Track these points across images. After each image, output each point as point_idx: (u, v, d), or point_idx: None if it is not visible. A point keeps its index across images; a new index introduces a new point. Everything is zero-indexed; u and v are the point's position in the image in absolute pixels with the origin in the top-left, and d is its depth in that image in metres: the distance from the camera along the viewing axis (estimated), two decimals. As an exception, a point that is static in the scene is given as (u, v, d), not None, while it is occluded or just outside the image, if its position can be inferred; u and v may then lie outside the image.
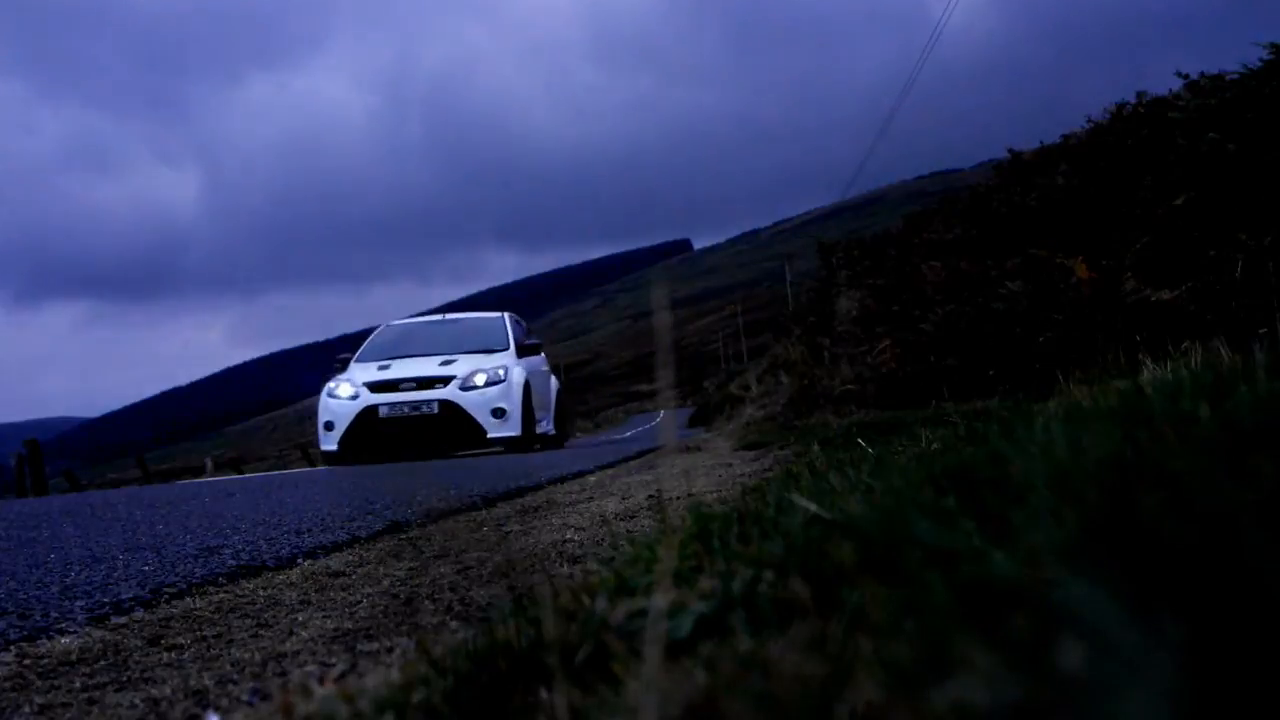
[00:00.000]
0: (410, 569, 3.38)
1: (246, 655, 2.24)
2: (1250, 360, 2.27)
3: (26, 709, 1.95)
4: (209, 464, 40.48)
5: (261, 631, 2.53)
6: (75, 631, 2.67)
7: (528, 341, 17.68)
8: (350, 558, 3.85)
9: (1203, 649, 0.72)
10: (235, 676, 2.05)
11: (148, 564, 3.84)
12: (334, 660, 2.09)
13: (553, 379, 19.24)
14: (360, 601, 2.85)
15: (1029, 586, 0.88)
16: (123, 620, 2.81)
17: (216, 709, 1.86)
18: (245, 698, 1.88)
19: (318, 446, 16.36)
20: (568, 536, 3.96)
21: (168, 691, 1.98)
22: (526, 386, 16.20)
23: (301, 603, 2.93)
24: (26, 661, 2.33)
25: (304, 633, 2.45)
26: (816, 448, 6.33)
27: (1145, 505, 0.89)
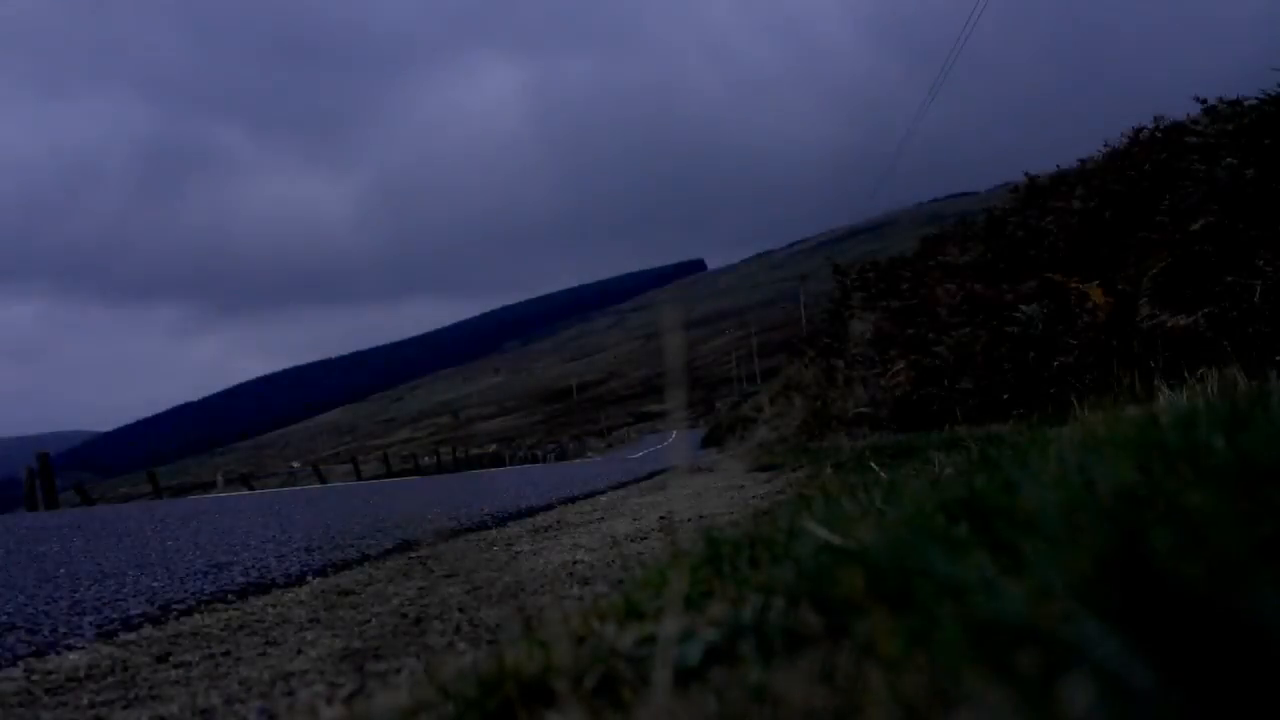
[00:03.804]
0: (420, 588, 3.37)
1: (254, 674, 2.23)
2: (1267, 388, 2.25)
3: (34, 726, 1.95)
4: (220, 479, 40.55)
5: (270, 650, 2.53)
6: (84, 647, 2.67)
7: None
8: (360, 576, 3.84)
9: (1211, 693, 0.71)
10: (243, 695, 2.05)
11: (157, 580, 3.85)
12: (342, 680, 2.08)
13: None
14: (369, 620, 2.84)
15: (1039, 623, 0.87)
16: (131, 636, 2.81)
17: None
18: (253, 717, 1.87)
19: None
20: (578, 558, 3.94)
21: (175, 710, 1.97)
22: None
23: (310, 621, 2.93)
24: (35, 677, 2.33)
25: (312, 651, 2.44)
26: (829, 471, 6.31)
27: (1158, 542, 0.88)
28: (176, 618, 3.09)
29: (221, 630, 2.86)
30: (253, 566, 4.14)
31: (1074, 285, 8.25)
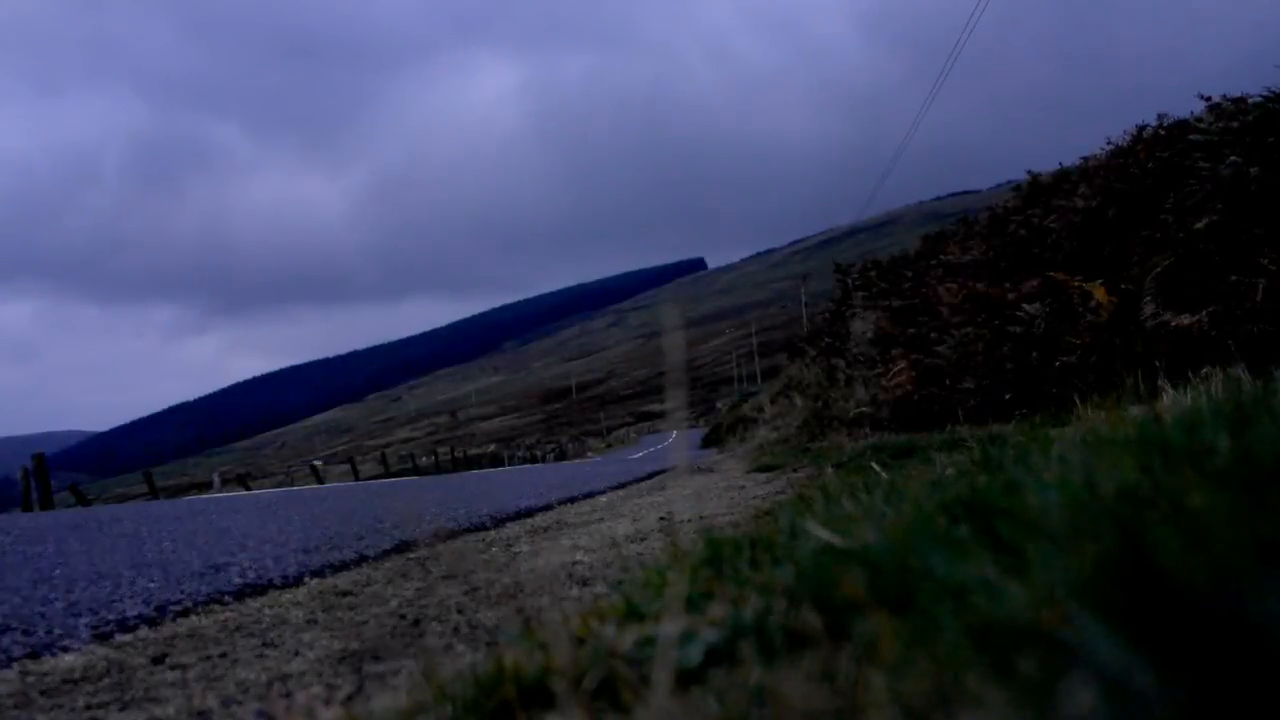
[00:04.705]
0: (418, 589, 3.36)
1: (251, 675, 2.22)
2: (1271, 388, 2.24)
3: (29, 728, 1.94)
4: (216, 480, 40.54)
5: (267, 651, 2.51)
6: (79, 649, 2.66)
7: None
8: (358, 577, 3.83)
9: (1213, 695, 0.70)
10: (240, 697, 2.03)
11: (153, 581, 3.83)
12: (340, 682, 2.07)
13: None
14: (367, 622, 2.83)
15: (1041, 624, 0.86)
16: (127, 638, 2.80)
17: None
18: (250, 719, 1.86)
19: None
20: (577, 558, 3.93)
21: (171, 712, 1.96)
22: None
23: (308, 622, 2.91)
24: (30, 679, 2.31)
25: (310, 653, 2.43)
26: (830, 471, 6.30)
27: (1160, 544, 0.86)
28: (173, 619, 3.08)
29: (218, 632, 2.84)
30: (250, 567, 4.13)
31: (1077, 284, 8.24)
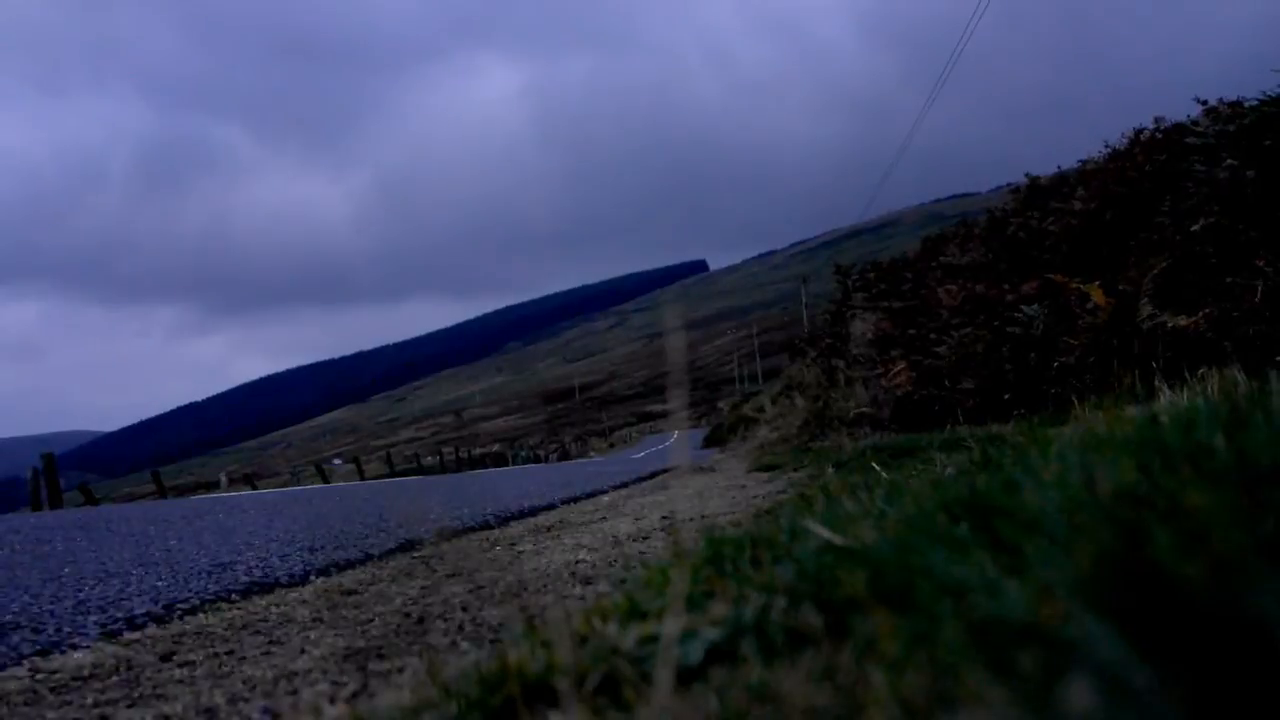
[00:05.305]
0: (423, 587, 3.38)
1: (258, 673, 2.24)
2: (1267, 389, 2.25)
3: (39, 725, 1.95)
4: (224, 479, 40.58)
5: (273, 649, 2.53)
6: (88, 646, 2.67)
7: None
8: (363, 575, 3.85)
9: (1212, 692, 0.71)
10: (246, 694, 2.05)
11: (161, 579, 3.85)
12: (345, 679, 2.09)
13: None
14: (372, 620, 2.85)
15: (1041, 623, 0.87)
16: (135, 636, 2.82)
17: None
18: (256, 716, 1.88)
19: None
20: (580, 557, 3.94)
21: (179, 709, 1.98)
22: None
23: (314, 620, 2.93)
24: (39, 676, 2.33)
25: (316, 651, 2.45)
26: (830, 471, 6.31)
27: (1158, 542, 0.88)
28: (180, 617, 3.10)
29: (225, 629, 2.86)
30: (256, 566, 4.15)
31: (1075, 286, 8.24)
